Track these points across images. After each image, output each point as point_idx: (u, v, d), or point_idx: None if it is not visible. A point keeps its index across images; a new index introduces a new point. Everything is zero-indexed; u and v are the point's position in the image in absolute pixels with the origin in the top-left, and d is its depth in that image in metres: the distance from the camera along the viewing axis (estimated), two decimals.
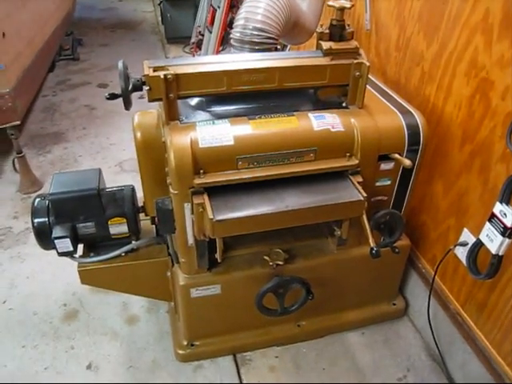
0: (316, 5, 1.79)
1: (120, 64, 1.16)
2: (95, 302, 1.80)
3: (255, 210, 1.16)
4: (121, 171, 2.59)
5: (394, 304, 1.74)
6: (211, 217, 1.12)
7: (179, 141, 1.17)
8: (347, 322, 1.69)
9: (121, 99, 1.22)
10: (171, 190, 1.21)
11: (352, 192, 1.24)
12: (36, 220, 1.38)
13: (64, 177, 1.44)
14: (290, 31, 1.48)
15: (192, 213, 1.23)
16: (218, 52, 3.10)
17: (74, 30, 4.39)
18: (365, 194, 1.22)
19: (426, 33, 1.50)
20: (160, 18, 4.88)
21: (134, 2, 6.10)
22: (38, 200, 1.42)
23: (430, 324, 1.58)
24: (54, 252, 1.40)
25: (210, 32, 3.21)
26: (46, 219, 1.38)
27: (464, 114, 1.38)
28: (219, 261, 1.26)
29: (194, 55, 3.93)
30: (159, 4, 4.57)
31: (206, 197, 1.18)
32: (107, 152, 2.76)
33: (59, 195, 1.36)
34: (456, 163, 1.44)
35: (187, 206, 1.23)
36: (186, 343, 1.56)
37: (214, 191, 1.20)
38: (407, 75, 1.64)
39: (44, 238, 1.39)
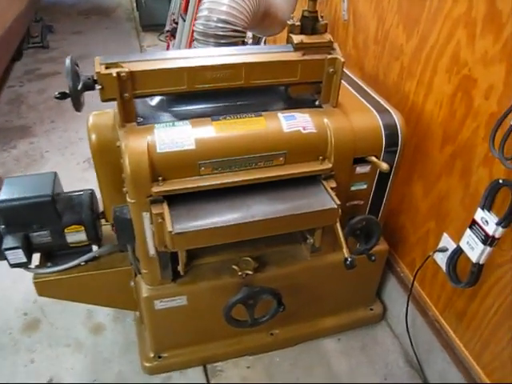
0: None
1: (67, 61, 1.05)
2: (58, 310, 1.69)
3: (219, 221, 1.07)
4: (89, 167, 2.45)
5: (372, 309, 1.68)
6: (170, 229, 1.02)
7: (135, 145, 1.06)
8: (323, 329, 1.62)
9: None
10: (128, 199, 1.11)
11: (325, 199, 1.16)
12: None
13: (16, 182, 1.32)
14: (260, 22, 1.37)
15: (151, 223, 1.13)
16: (191, 41, 2.96)
17: (43, 16, 4.18)
18: (338, 202, 1.13)
19: (406, 25, 1.41)
20: (135, 4, 4.69)
21: None
22: None
23: (408, 330, 1.52)
24: None
25: (184, 20, 3.06)
26: None
27: (445, 113, 1.30)
28: (182, 273, 1.17)
29: (168, 44, 3.78)
30: None
31: (165, 206, 1.08)
32: (76, 147, 2.63)
33: (9, 202, 1.24)
34: (436, 164, 1.37)
35: (146, 216, 1.13)
36: (152, 355, 1.48)
37: (174, 199, 1.10)
38: (386, 70, 1.56)
39: None
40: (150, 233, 1.16)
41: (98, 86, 1.05)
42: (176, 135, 1.09)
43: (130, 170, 1.05)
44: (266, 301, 1.34)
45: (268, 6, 1.36)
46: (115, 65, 1.06)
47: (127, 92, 1.07)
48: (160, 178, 1.08)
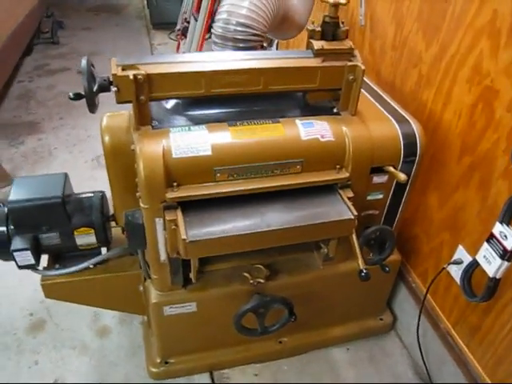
0: None
1: (83, 61, 1.03)
2: (64, 311, 1.68)
3: (233, 229, 1.05)
4: (98, 166, 2.44)
5: (381, 319, 1.65)
6: (184, 237, 1.00)
7: (150, 149, 1.04)
8: (331, 338, 1.60)
9: None
10: (141, 204, 1.09)
11: (341, 209, 1.13)
12: None
13: (25, 182, 1.30)
14: (278, 26, 1.35)
15: (164, 229, 1.11)
16: (203, 40, 2.94)
17: (54, 12, 4.17)
18: (355, 213, 1.11)
19: (426, 32, 1.38)
20: (146, 2, 4.67)
21: None
22: None
23: (419, 342, 1.50)
24: None
25: (196, 20, 3.05)
26: (5, 228, 1.25)
27: (464, 124, 1.27)
28: (194, 281, 1.15)
29: (179, 43, 3.76)
30: None
31: (179, 213, 1.06)
32: (84, 145, 2.61)
33: (19, 203, 1.23)
34: (453, 175, 1.34)
35: (159, 222, 1.11)
36: (159, 361, 1.46)
37: (188, 205, 1.08)
38: (403, 77, 1.53)
39: (2, 249, 1.26)
40: (162, 239, 1.14)
41: (113, 88, 1.03)
42: (192, 140, 1.07)
43: (144, 175, 1.03)
44: (277, 310, 1.32)
45: (287, 9, 1.34)
46: (132, 67, 1.04)
47: (143, 95, 1.05)
48: (174, 184, 1.06)
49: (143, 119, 1.09)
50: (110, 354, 1.55)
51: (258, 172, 1.11)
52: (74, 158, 2.50)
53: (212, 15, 2.93)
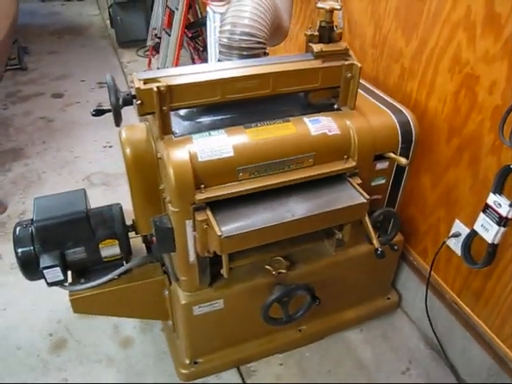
0: (288, 2, 1.77)
1: (108, 77, 1.09)
2: (83, 328, 1.70)
3: (262, 222, 1.13)
4: (90, 185, 2.46)
5: (389, 298, 1.77)
6: (219, 234, 1.07)
7: (177, 156, 1.11)
8: (346, 321, 1.70)
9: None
10: (171, 208, 1.16)
11: (354, 195, 1.24)
12: (20, 250, 1.28)
13: (47, 201, 1.34)
14: (273, 33, 1.44)
15: (194, 230, 1.18)
16: (179, 54, 3.01)
17: (18, 38, 4.12)
18: (367, 196, 1.22)
19: (405, 30, 1.52)
20: (109, 22, 4.69)
21: (78, 5, 5.85)
22: (19, 228, 1.31)
23: (428, 314, 1.61)
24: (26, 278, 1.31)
25: (168, 34, 3.12)
26: (31, 248, 1.28)
27: (449, 109, 1.41)
28: (226, 276, 1.21)
29: (150, 59, 3.81)
30: (109, 8, 4.39)
31: (209, 212, 1.13)
32: (73, 166, 2.62)
33: (45, 221, 1.27)
34: (443, 156, 1.47)
35: (189, 223, 1.18)
36: (188, 362, 1.51)
37: (215, 205, 1.16)
38: (386, 72, 1.66)
39: (30, 268, 1.29)
40: (191, 240, 1.21)
41: (137, 101, 1.10)
42: (214, 144, 1.15)
43: (174, 180, 1.10)
44: (298, 297, 1.41)
45: (279, 17, 1.44)
46: (153, 80, 1.10)
47: (165, 105, 1.12)
48: (202, 186, 1.13)
49: (166, 128, 1.16)
50: (136, 364, 1.59)
51: (276, 168, 1.20)
52: (65, 179, 2.51)
53: (184, 29, 3.01)
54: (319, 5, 1.22)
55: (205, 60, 3.39)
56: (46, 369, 1.57)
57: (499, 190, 1.26)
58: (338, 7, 1.21)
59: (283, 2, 1.69)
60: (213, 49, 2.89)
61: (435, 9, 1.37)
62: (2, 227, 2.16)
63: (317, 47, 1.24)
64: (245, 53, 1.27)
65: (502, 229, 1.27)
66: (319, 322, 1.64)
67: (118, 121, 1.12)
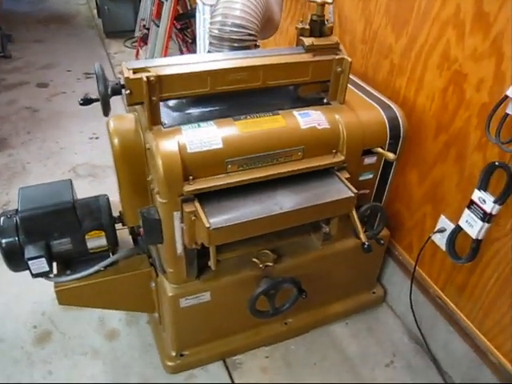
0: None
1: (97, 66, 1.07)
2: (68, 320, 1.68)
3: (251, 214, 1.13)
4: (76, 176, 2.43)
5: (374, 292, 1.79)
6: (207, 225, 1.07)
7: (166, 147, 1.10)
8: (331, 315, 1.72)
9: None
10: (159, 199, 1.15)
11: (342, 189, 1.25)
12: (4, 240, 1.26)
13: (32, 191, 1.32)
14: (264, 26, 1.44)
15: (182, 221, 1.17)
16: (167, 45, 2.99)
17: (1, 25, 4.04)
18: (355, 190, 1.23)
19: (394, 26, 1.52)
20: (96, 11, 4.62)
21: None
22: (3, 218, 1.29)
23: (413, 309, 1.64)
24: (10, 270, 1.30)
25: (157, 26, 3.08)
26: (16, 238, 1.26)
27: (437, 106, 1.42)
28: (213, 268, 1.21)
29: (138, 50, 3.77)
30: None
31: (197, 204, 1.13)
32: (58, 157, 2.58)
33: (30, 211, 1.25)
34: (430, 152, 1.49)
35: (177, 215, 1.17)
36: (174, 354, 1.51)
37: (203, 197, 1.15)
38: (375, 68, 1.67)
39: (15, 259, 1.27)
40: (179, 232, 1.21)
41: (126, 91, 1.09)
42: (203, 135, 1.14)
43: (162, 171, 1.09)
44: (285, 290, 1.41)
45: (270, 10, 1.43)
46: (143, 70, 1.09)
47: (155, 96, 1.11)
48: (190, 177, 1.13)
49: (155, 119, 1.15)
50: (122, 356, 1.58)
51: (265, 161, 1.20)
52: (50, 170, 2.47)
53: (173, 20, 2.99)
54: None
55: (193, 52, 3.37)
56: (30, 361, 1.55)
57: (484, 186, 1.28)
58: (330, 1, 1.21)
59: None
60: (202, 41, 2.87)
61: (425, 6, 1.38)
62: None
63: (308, 41, 1.24)
64: (236, 44, 1.27)
65: (486, 225, 1.29)
66: (305, 315, 1.65)
67: (106, 110, 1.11)
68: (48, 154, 2.60)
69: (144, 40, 3.49)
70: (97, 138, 2.77)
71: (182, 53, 3.56)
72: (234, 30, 1.24)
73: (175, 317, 1.40)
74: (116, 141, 1.22)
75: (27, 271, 1.29)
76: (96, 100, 1.14)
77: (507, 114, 1.14)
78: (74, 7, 5.24)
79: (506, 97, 1.13)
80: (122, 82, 1.09)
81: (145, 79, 1.06)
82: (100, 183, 2.39)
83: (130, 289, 1.44)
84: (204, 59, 1.18)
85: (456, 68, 1.32)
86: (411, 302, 1.63)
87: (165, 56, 2.98)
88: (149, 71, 1.09)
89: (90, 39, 4.37)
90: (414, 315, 1.64)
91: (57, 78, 3.44)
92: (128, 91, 1.08)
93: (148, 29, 3.37)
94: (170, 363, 1.51)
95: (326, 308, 1.70)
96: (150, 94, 1.09)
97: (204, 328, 1.50)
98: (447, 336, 1.55)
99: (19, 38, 4.20)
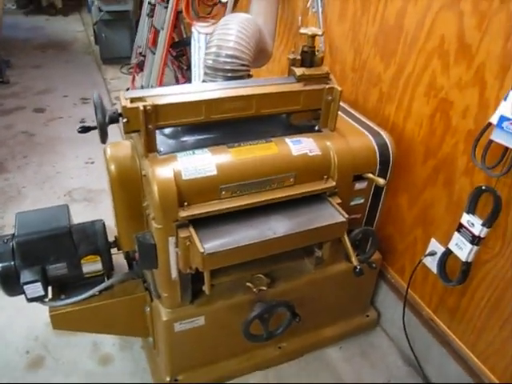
0: (272, 27, 1.84)
1: (95, 96, 1.11)
2: (62, 345, 1.68)
3: (244, 239, 1.15)
4: (71, 201, 2.45)
5: (368, 316, 1.80)
6: (202, 250, 1.09)
7: (162, 173, 1.13)
8: (325, 338, 1.72)
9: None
10: (154, 225, 1.17)
11: (334, 214, 1.27)
12: (0, 265, 1.27)
13: (29, 216, 1.34)
14: (257, 56, 1.49)
15: (177, 246, 1.19)
16: (163, 72, 3.05)
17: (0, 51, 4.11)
18: (346, 215, 1.26)
19: (383, 56, 1.59)
20: (93, 38, 4.72)
21: (62, 20, 5.85)
22: None
23: (406, 332, 1.65)
24: (4, 296, 1.31)
25: (153, 53, 3.16)
26: (12, 263, 1.27)
27: (425, 132, 1.47)
28: (207, 293, 1.23)
29: (134, 76, 3.83)
30: (94, 24, 4.42)
31: (192, 230, 1.15)
32: (54, 181, 2.60)
33: (26, 236, 1.27)
34: (420, 177, 1.53)
35: (171, 240, 1.19)
36: (168, 379, 1.50)
37: (197, 222, 1.18)
38: (365, 95, 1.72)
39: (10, 283, 1.28)
40: (174, 256, 1.22)
41: (123, 120, 1.12)
42: (198, 162, 1.17)
43: (158, 197, 1.12)
44: (279, 314, 1.42)
45: (263, 41, 1.49)
46: (140, 99, 1.13)
47: (151, 124, 1.14)
48: (185, 203, 1.15)
49: (151, 146, 1.18)
50: (115, 381, 1.57)
51: (258, 187, 1.23)
52: (45, 195, 2.49)
53: (169, 48, 3.06)
54: (302, 30, 1.28)
55: (188, 79, 3.44)
56: None
57: (472, 209, 1.31)
58: (320, 33, 1.27)
59: (267, 25, 1.76)
60: (197, 68, 2.94)
61: (411, 38, 1.44)
62: None
63: (299, 71, 1.29)
64: (229, 74, 1.31)
65: (475, 247, 1.32)
66: (299, 339, 1.66)
67: (104, 138, 1.14)
68: (44, 179, 2.62)
69: (140, 66, 3.55)
70: (92, 163, 2.80)
71: (177, 79, 3.63)
72: (228, 60, 1.29)
73: (169, 341, 1.40)
74: (113, 167, 1.25)
75: (21, 295, 1.30)
76: (94, 128, 1.17)
77: (491, 141, 1.18)
78: (72, 34, 5.34)
79: (490, 124, 1.17)
80: (120, 111, 1.13)
81: (142, 108, 1.10)
82: (95, 208, 2.41)
83: (125, 313, 1.45)
84: (199, 89, 1.23)
85: (442, 96, 1.38)
86: (404, 325, 1.64)
87: (160, 82, 3.04)
88: (145, 101, 1.13)
89: (86, 65, 4.44)
90: (408, 338, 1.65)
91: (53, 103, 3.49)
92: (125, 119, 1.12)
93: (144, 56, 3.44)
94: None
95: (320, 332, 1.70)
96: (146, 123, 1.13)
97: (198, 352, 1.50)
98: (441, 359, 1.56)
99: (17, 63, 4.27)
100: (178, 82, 3.65)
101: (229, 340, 1.49)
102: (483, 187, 1.27)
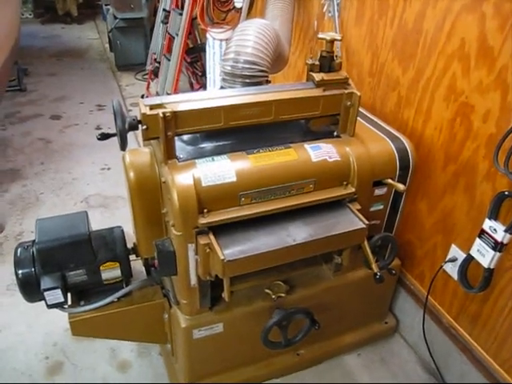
0: (287, 32, 1.84)
1: (115, 102, 1.12)
2: (80, 351, 1.68)
3: (264, 246, 1.15)
4: (88, 207, 2.47)
5: (386, 322, 1.78)
6: (222, 257, 1.09)
7: (182, 180, 1.13)
8: (343, 346, 1.70)
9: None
10: (174, 232, 1.17)
11: (353, 220, 1.26)
12: (21, 271, 1.28)
13: (49, 222, 1.35)
14: (275, 61, 1.49)
15: (196, 253, 1.19)
16: (178, 79, 3.07)
17: (18, 59, 4.17)
18: (366, 222, 1.24)
19: (401, 60, 1.57)
20: (108, 45, 4.77)
21: (77, 29, 5.93)
22: (20, 250, 1.31)
23: (426, 339, 1.62)
24: (24, 301, 1.32)
25: (168, 59, 3.18)
26: (32, 269, 1.28)
27: (445, 136, 1.45)
28: (227, 300, 1.22)
29: (149, 82, 3.87)
30: (109, 32, 4.47)
31: (212, 236, 1.15)
32: (71, 187, 2.63)
33: (47, 243, 1.27)
34: (440, 183, 1.51)
35: (191, 247, 1.19)
36: None
37: (217, 229, 1.17)
38: (383, 100, 1.71)
39: (31, 289, 1.29)
40: (193, 263, 1.22)
41: (143, 127, 1.12)
42: (217, 169, 1.17)
43: (178, 204, 1.12)
44: (297, 321, 1.41)
45: (281, 46, 1.49)
46: (159, 106, 1.13)
47: (170, 131, 1.15)
48: (205, 210, 1.15)
49: (170, 153, 1.18)
50: None
51: (277, 193, 1.22)
52: (62, 201, 2.51)
53: (184, 54, 3.08)
54: (320, 35, 1.27)
55: (203, 85, 3.45)
56: None
57: (494, 215, 1.29)
58: (339, 38, 1.26)
59: (283, 31, 1.76)
60: (211, 74, 2.96)
61: (431, 41, 1.43)
62: None
63: (318, 76, 1.28)
64: (248, 80, 1.31)
65: (498, 254, 1.29)
66: (317, 346, 1.64)
67: (123, 145, 1.15)
68: (61, 185, 2.65)
69: (155, 73, 3.58)
70: (108, 169, 2.82)
71: (191, 85, 3.65)
72: (246, 66, 1.28)
73: (188, 348, 1.40)
74: (132, 174, 1.25)
75: (41, 302, 1.31)
76: (113, 135, 1.18)
77: None
78: (86, 42, 5.41)
79: None
80: (139, 118, 1.13)
81: (161, 115, 1.10)
82: (111, 214, 2.42)
83: (143, 320, 1.45)
84: (217, 95, 1.23)
85: (463, 100, 1.36)
86: (424, 332, 1.61)
87: (175, 88, 3.06)
88: (165, 107, 1.13)
89: (102, 72, 4.49)
90: (428, 345, 1.63)
91: (70, 110, 3.53)
92: (145, 126, 1.12)
93: (159, 62, 3.46)
94: None
95: (339, 339, 1.68)
96: (165, 130, 1.13)
97: (216, 359, 1.49)
98: (462, 367, 1.53)
99: (34, 71, 4.34)
100: (192, 87, 3.67)
101: (247, 347, 1.48)
102: (506, 192, 1.25)
